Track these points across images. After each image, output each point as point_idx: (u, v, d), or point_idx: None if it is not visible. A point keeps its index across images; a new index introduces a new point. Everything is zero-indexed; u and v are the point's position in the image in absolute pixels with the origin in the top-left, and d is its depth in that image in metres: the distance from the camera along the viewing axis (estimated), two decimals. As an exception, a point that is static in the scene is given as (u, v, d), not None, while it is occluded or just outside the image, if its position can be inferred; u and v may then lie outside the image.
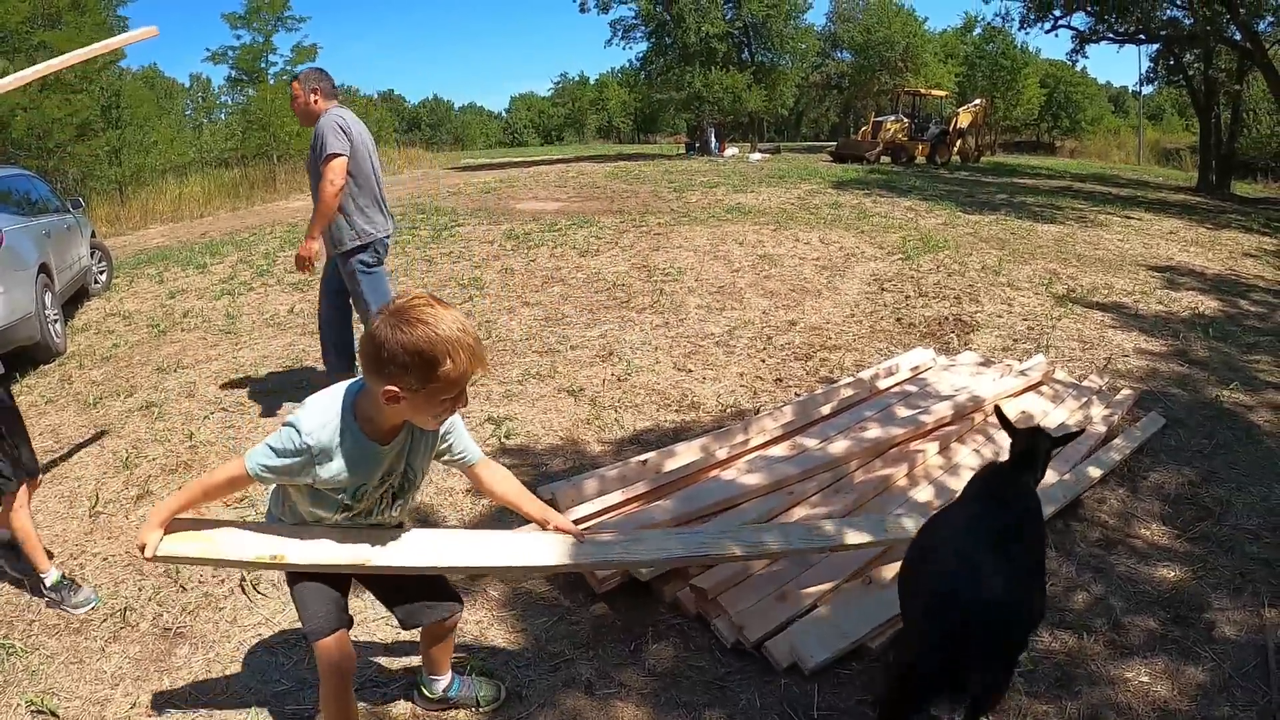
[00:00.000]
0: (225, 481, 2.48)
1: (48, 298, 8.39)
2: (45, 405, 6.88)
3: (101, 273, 11.76)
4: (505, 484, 2.80)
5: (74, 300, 10.20)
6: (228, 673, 3.40)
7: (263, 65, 33.11)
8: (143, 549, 2.44)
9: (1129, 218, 16.70)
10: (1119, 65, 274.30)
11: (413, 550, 2.67)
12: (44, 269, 8.52)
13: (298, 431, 2.31)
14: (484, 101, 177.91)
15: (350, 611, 2.68)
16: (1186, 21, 29.28)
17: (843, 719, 3.04)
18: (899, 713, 2.68)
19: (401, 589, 2.81)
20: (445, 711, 3.08)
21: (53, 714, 3.20)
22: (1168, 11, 30.26)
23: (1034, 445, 3.18)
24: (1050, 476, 4.28)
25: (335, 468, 2.37)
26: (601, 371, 6.86)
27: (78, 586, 3.92)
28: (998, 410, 3.46)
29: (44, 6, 22.76)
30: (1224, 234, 15.79)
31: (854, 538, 3.50)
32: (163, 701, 3.25)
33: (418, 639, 3.03)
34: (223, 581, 4.05)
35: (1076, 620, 3.60)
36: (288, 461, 2.35)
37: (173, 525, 2.51)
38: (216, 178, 28.85)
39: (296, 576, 2.61)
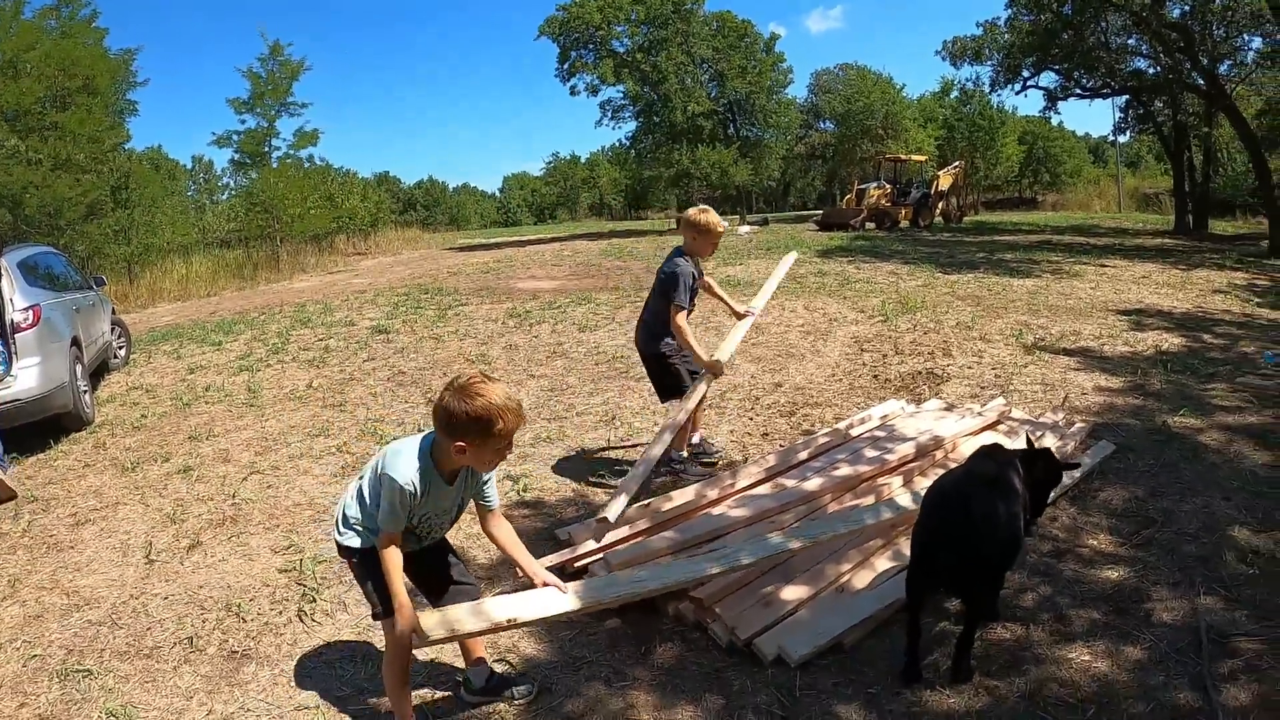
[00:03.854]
0: (391, 553, 3.18)
1: (79, 369, 8.85)
2: (84, 469, 7.40)
3: (121, 348, 12.23)
4: (509, 536, 3.55)
5: (96, 374, 10.59)
6: (293, 685, 3.94)
7: (266, 149, 33.59)
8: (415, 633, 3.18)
9: (1104, 265, 17.32)
10: (1095, 116, 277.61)
11: (560, 600, 3.47)
12: (75, 342, 8.98)
13: (399, 483, 3.08)
14: (478, 182, 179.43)
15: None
16: (1150, 71, 30.08)
17: (821, 698, 3.58)
18: (913, 591, 3.66)
19: (443, 579, 3.56)
20: (488, 702, 3.65)
21: None
22: (1132, 63, 31.09)
23: (1037, 454, 4.20)
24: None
25: (425, 505, 3.23)
26: (605, 434, 7.40)
27: None
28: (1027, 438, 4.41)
29: (56, 88, 23.29)
30: (1195, 274, 16.42)
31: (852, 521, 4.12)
32: (236, 710, 3.76)
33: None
34: (281, 612, 4.62)
35: (1025, 615, 4.10)
36: (402, 508, 3.14)
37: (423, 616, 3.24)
38: (220, 258, 29.51)
39: (369, 572, 3.28)
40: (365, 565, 3.31)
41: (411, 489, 3.09)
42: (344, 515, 3.37)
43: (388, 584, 3.16)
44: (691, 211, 6.13)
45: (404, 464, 3.12)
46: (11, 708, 3.88)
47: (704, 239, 6.06)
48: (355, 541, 3.32)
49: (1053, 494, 5.26)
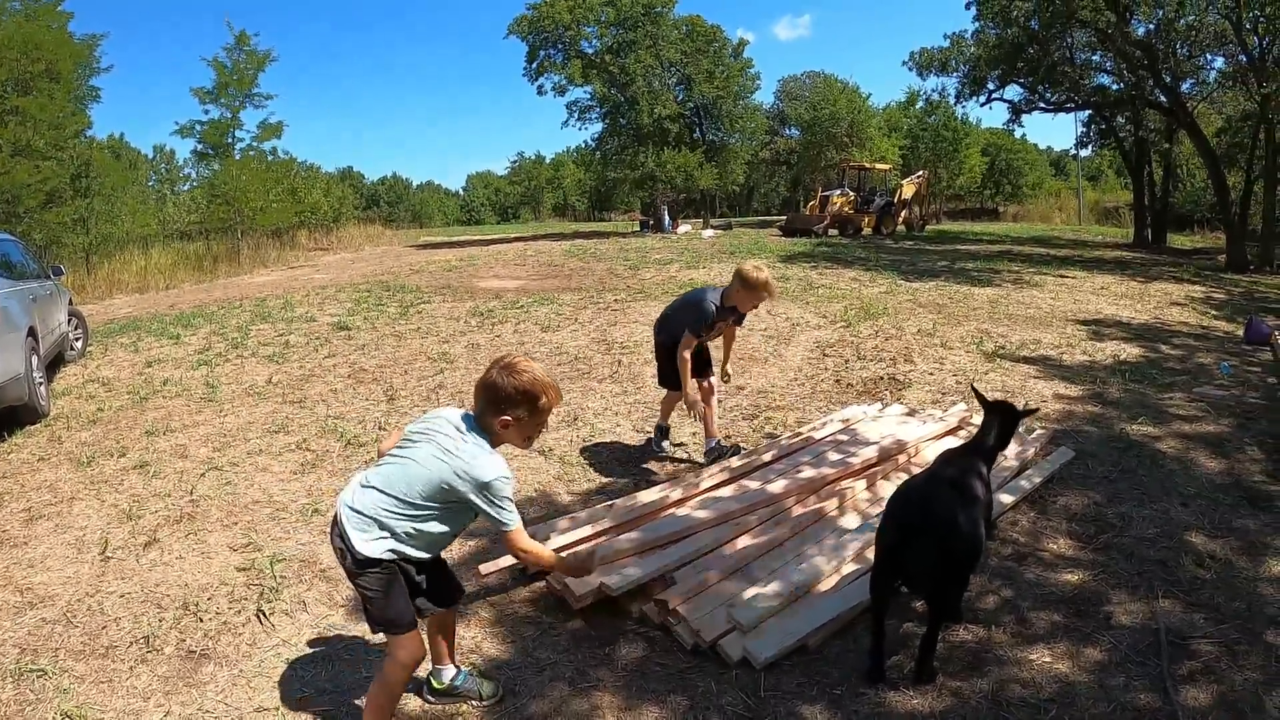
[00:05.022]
0: (527, 540, 3.33)
1: (34, 361, 8.64)
2: (38, 463, 7.25)
3: (78, 339, 11.99)
4: None
5: (52, 366, 10.41)
6: (253, 685, 3.88)
7: (229, 140, 33.21)
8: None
9: (1063, 276, 17.48)
10: (1058, 130, 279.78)
11: None
12: (31, 332, 8.77)
13: (504, 476, 3.19)
14: (441, 179, 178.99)
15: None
16: (1114, 87, 30.50)
17: (785, 699, 3.59)
18: (877, 592, 3.75)
19: (451, 585, 3.60)
20: (451, 704, 3.63)
21: None
22: (1096, 79, 31.50)
23: (997, 414, 4.36)
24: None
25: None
26: (568, 434, 7.38)
27: None
28: (973, 387, 4.76)
29: (17, 72, 22.91)
30: (1153, 286, 16.67)
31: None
32: (194, 711, 3.71)
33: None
34: (239, 611, 4.56)
35: (987, 617, 4.14)
36: (511, 495, 3.23)
37: None
38: (181, 250, 29.14)
39: (389, 585, 3.22)
40: (386, 577, 3.20)
41: (510, 475, 3.23)
42: (376, 520, 3.17)
43: (544, 559, 3.43)
44: (748, 266, 6.07)
45: (487, 459, 3.19)
46: (-37, 707, 3.82)
47: (747, 295, 6.11)
48: (383, 550, 3.15)
49: (1012, 499, 5.35)
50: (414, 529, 3.19)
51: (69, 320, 11.74)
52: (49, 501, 6.31)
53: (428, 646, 3.53)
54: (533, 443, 3.46)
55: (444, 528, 3.26)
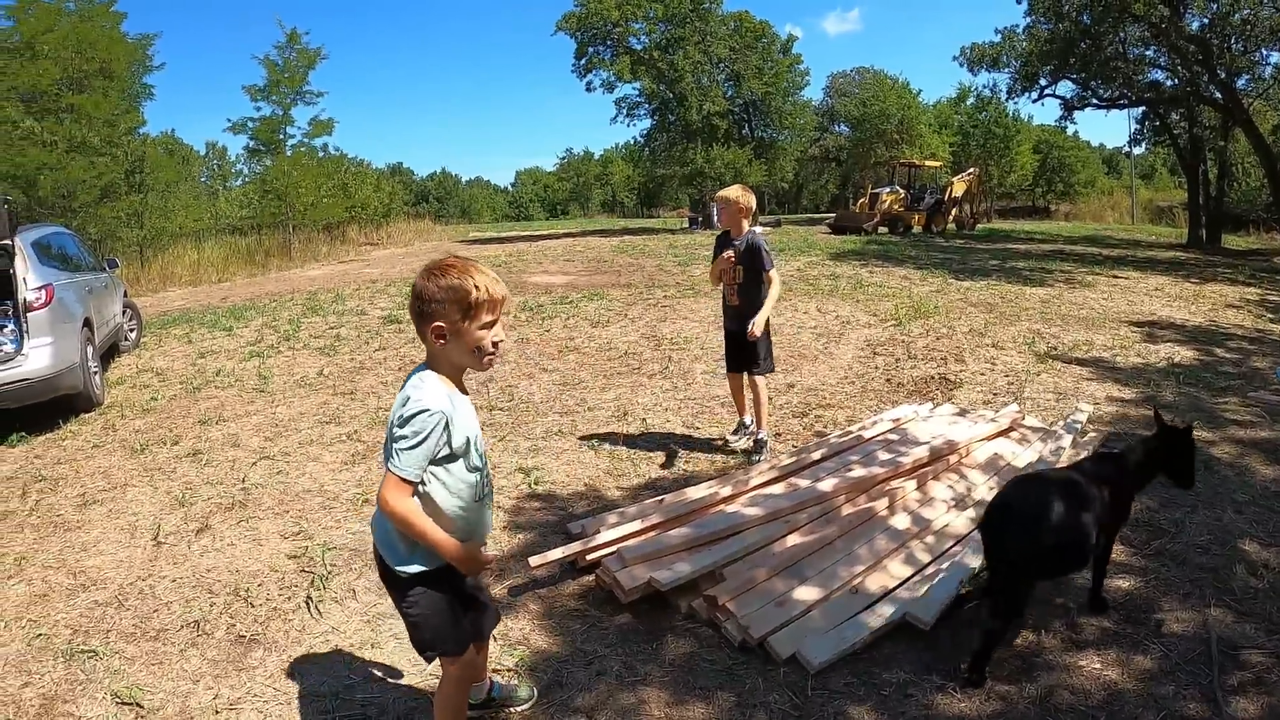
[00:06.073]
0: (407, 501, 2.72)
1: (90, 350, 8.87)
2: (92, 449, 7.43)
3: (132, 330, 12.25)
4: None
5: (107, 356, 10.63)
6: (301, 671, 3.93)
7: (280, 137, 33.56)
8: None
9: (1116, 277, 17.24)
10: (1111, 127, 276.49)
11: None
12: (87, 323, 9.02)
13: (426, 410, 2.68)
14: (490, 175, 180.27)
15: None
16: (1168, 84, 29.99)
17: (833, 698, 3.58)
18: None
19: (481, 602, 3.21)
20: (487, 712, 3.55)
21: (137, 704, 3.71)
22: (1149, 75, 31.00)
23: (1161, 438, 4.23)
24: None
25: (460, 425, 2.79)
26: (618, 429, 7.41)
27: None
28: (1155, 408, 4.43)
29: (72, 71, 23.38)
30: (1209, 288, 16.32)
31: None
32: (242, 694, 3.77)
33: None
34: (289, 598, 4.62)
35: (1037, 622, 4.08)
36: (429, 440, 2.69)
37: None
38: (233, 244, 29.66)
39: (434, 603, 2.91)
40: (431, 594, 2.91)
41: (445, 410, 2.74)
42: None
43: (423, 532, 2.73)
44: None
45: (424, 394, 2.75)
46: (15, 686, 3.90)
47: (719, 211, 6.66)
48: (418, 565, 2.87)
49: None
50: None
51: (124, 312, 11.98)
52: (103, 487, 6.45)
53: None
54: (490, 359, 2.84)
55: (452, 496, 2.84)
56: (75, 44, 23.42)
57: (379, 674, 3.87)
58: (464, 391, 2.92)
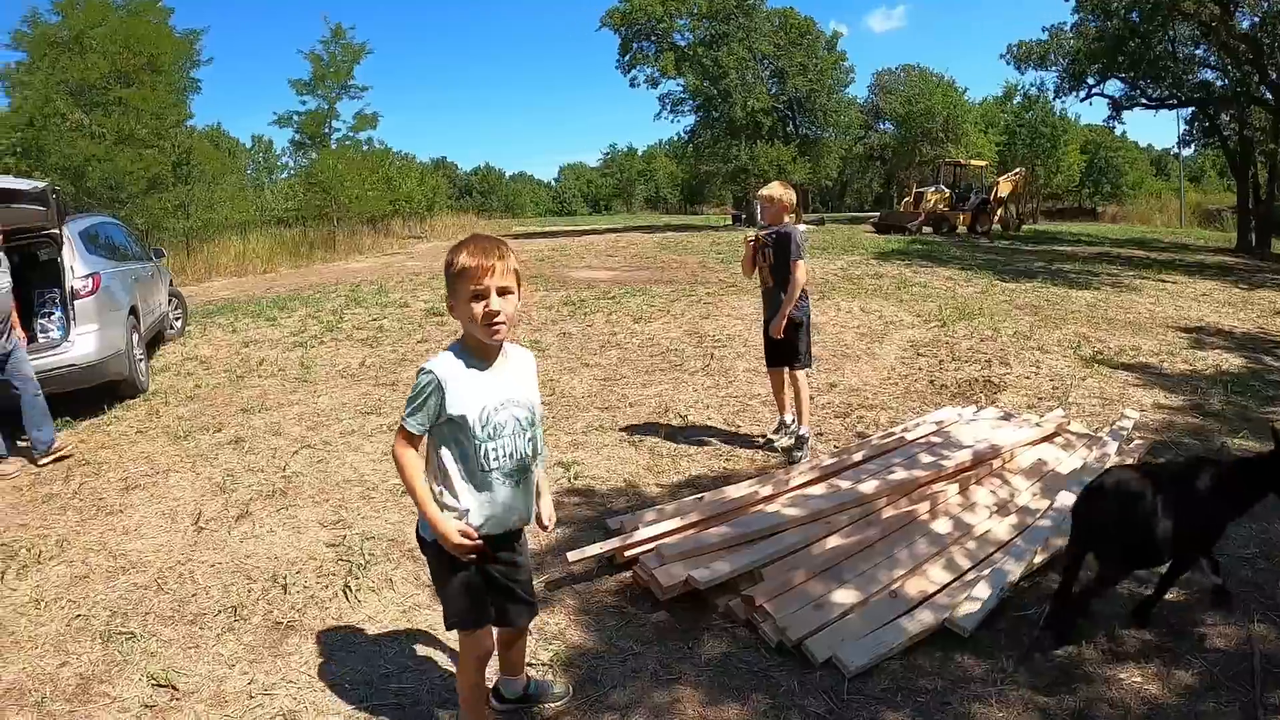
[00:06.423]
0: (406, 451, 2.92)
1: (135, 338, 9.02)
2: (136, 436, 7.54)
3: (177, 319, 12.45)
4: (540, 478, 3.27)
5: (152, 344, 10.74)
6: (336, 658, 3.96)
7: (326, 130, 33.90)
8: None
9: (1163, 281, 17.06)
10: (1159, 128, 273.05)
11: None
12: (133, 311, 9.17)
13: (423, 370, 2.89)
14: (534, 170, 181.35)
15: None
16: (1218, 83, 29.50)
17: (869, 703, 3.54)
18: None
19: (515, 594, 3.20)
20: (523, 708, 3.55)
21: (172, 687, 3.74)
22: (1199, 74, 30.51)
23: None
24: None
25: (460, 394, 2.88)
26: (659, 425, 7.40)
27: None
28: (1272, 427, 4.10)
29: (120, 65, 23.75)
30: (1258, 294, 16.12)
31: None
32: (277, 680, 3.79)
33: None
34: (327, 586, 4.66)
35: (1077, 633, 4.01)
36: (424, 399, 2.86)
37: None
38: (278, 236, 29.96)
39: (440, 570, 3.05)
40: (441, 561, 3.02)
41: (437, 371, 2.86)
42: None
43: (411, 485, 2.92)
44: None
45: (432, 359, 2.94)
46: (53, 665, 3.95)
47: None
48: (426, 531, 3.00)
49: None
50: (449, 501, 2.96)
51: (169, 301, 12.16)
52: (145, 472, 6.53)
53: (496, 655, 3.38)
54: (488, 327, 2.85)
55: (464, 473, 2.94)
56: (123, 39, 23.93)
57: (413, 664, 3.89)
58: (488, 362, 2.99)
